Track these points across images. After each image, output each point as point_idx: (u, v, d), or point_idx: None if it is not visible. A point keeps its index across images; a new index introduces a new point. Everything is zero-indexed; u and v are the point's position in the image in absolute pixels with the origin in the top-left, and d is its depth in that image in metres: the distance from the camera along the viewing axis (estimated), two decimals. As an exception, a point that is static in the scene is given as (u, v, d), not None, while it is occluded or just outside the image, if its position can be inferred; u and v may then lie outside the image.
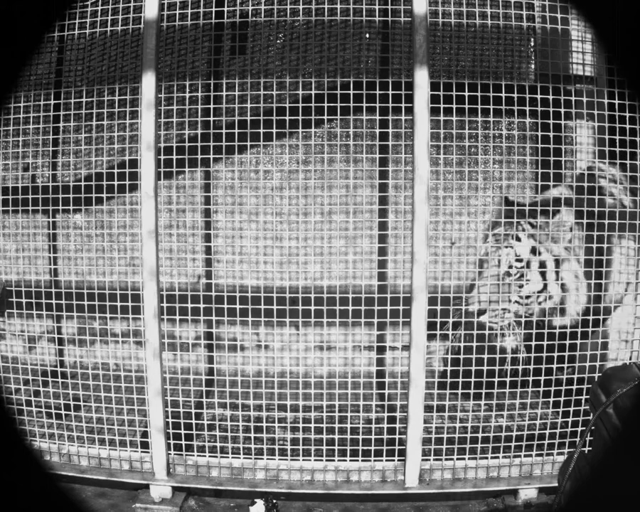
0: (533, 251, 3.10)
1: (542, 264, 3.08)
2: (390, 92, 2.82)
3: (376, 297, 2.91)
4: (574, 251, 3.07)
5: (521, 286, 3.08)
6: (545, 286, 3.09)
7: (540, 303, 3.10)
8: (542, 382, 2.84)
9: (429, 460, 2.87)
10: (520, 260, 3.09)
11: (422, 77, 2.64)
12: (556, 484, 1.82)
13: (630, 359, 3.07)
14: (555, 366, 2.85)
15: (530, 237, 3.10)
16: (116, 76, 3.57)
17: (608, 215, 2.92)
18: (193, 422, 2.92)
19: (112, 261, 3.45)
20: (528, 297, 3.09)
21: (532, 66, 3.84)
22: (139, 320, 2.83)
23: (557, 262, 3.09)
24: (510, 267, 3.10)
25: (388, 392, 3.03)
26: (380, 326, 3.00)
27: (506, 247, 3.11)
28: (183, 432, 2.89)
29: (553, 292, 3.09)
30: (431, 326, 2.83)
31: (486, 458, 2.90)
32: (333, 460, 2.90)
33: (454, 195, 3.43)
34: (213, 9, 3.02)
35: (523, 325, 3.04)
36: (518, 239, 3.11)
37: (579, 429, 2.80)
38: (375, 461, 2.87)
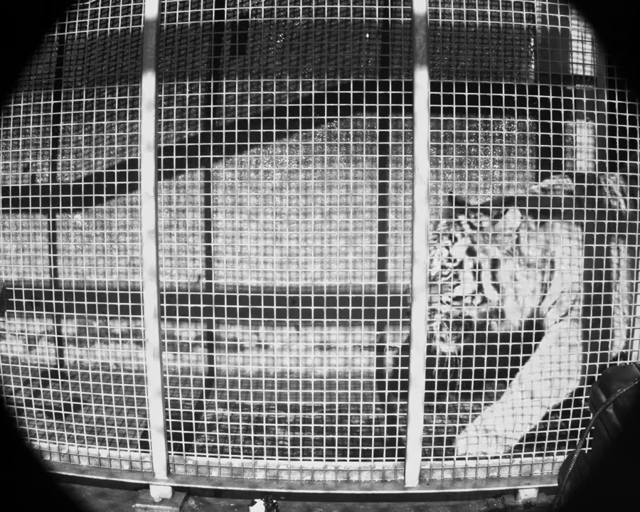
0: (470, 252, 3.01)
1: (477, 266, 2.98)
2: (390, 92, 2.82)
3: (376, 297, 2.91)
4: (517, 253, 2.97)
5: (453, 288, 2.99)
6: (480, 288, 3.00)
7: (475, 306, 2.99)
8: (472, 385, 2.79)
9: (429, 460, 2.86)
10: (452, 261, 3.00)
11: (422, 77, 2.64)
12: (556, 484, 1.82)
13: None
14: (484, 368, 2.76)
15: (467, 237, 3.01)
16: (116, 76, 3.57)
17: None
18: (193, 422, 2.92)
19: (111, 261, 3.45)
20: (458, 299, 3.00)
21: (532, 66, 3.84)
22: (139, 320, 2.83)
23: (495, 264, 2.98)
24: (443, 267, 3.01)
25: (388, 392, 3.03)
26: (380, 325, 3.00)
27: (442, 246, 3.03)
28: (183, 432, 2.89)
29: (489, 296, 2.98)
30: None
31: (486, 458, 2.90)
32: (333, 460, 2.90)
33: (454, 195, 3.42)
34: (213, 9, 3.02)
35: (454, 326, 2.95)
36: (455, 239, 3.03)
37: (579, 429, 2.80)
38: (375, 461, 2.87)
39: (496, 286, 2.98)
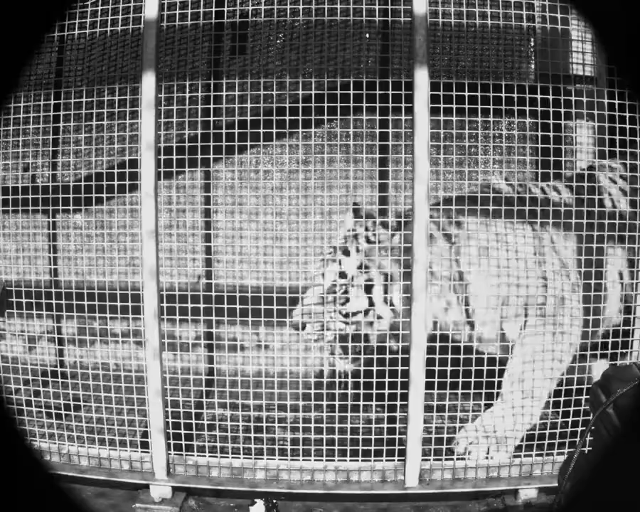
0: (361, 267, 2.92)
1: (369, 282, 2.90)
2: (390, 92, 2.82)
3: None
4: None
5: (344, 303, 2.91)
6: (372, 305, 2.90)
7: (368, 323, 2.90)
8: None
9: (429, 460, 2.86)
10: (344, 276, 2.93)
11: (422, 77, 2.64)
12: (556, 484, 1.81)
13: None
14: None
15: (361, 252, 2.92)
16: (116, 76, 3.57)
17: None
18: (193, 422, 2.92)
19: (111, 261, 3.45)
20: (354, 315, 2.90)
21: (532, 66, 3.84)
22: (139, 320, 2.83)
23: (388, 281, 2.88)
24: (335, 283, 2.93)
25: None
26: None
27: (334, 260, 2.95)
28: (183, 432, 2.89)
29: (382, 313, 2.90)
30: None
31: (486, 458, 2.90)
32: (333, 460, 2.90)
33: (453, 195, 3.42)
34: (213, 9, 3.02)
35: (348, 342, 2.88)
36: (347, 253, 2.96)
37: (579, 429, 2.80)
38: (375, 461, 2.87)
39: (391, 303, 2.88)
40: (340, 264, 2.95)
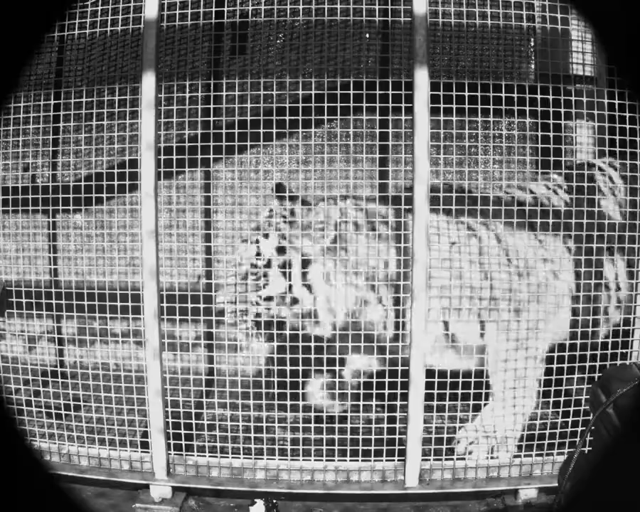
0: (280, 250, 2.86)
1: (286, 265, 2.84)
2: (390, 92, 2.82)
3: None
4: (336, 252, 2.81)
5: (262, 287, 2.85)
6: (290, 288, 2.84)
7: (285, 307, 2.85)
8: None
9: (429, 460, 2.86)
10: (262, 258, 2.86)
11: (422, 77, 2.64)
12: (556, 484, 1.82)
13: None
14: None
15: (279, 233, 2.85)
16: (116, 76, 3.57)
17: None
18: (193, 422, 2.92)
19: (111, 261, 3.45)
20: (269, 299, 2.86)
21: (532, 66, 3.84)
22: (139, 320, 2.83)
23: (306, 264, 2.83)
24: (253, 265, 2.87)
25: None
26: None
27: (252, 242, 2.88)
28: (183, 432, 2.89)
29: (299, 296, 2.84)
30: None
31: (486, 458, 2.90)
32: (333, 460, 2.90)
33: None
34: (213, 9, 3.02)
35: (265, 327, 2.83)
36: (266, 235, 2.89)
37: (579, 429, 2.80)
38: (375, 461, 2.87)
39: (309, 287, 2.84)
40: (259, 245, 2.89)
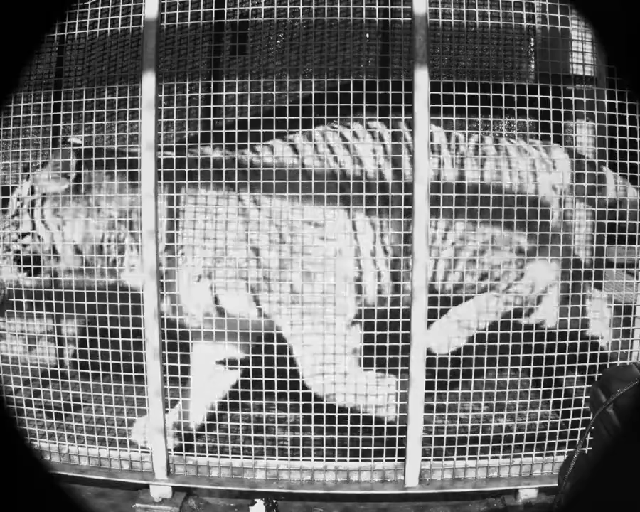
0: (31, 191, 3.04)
1: (31, 205, 3.02)
2: (390, 92, 2.82)
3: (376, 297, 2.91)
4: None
5: (18, 226, 3.04)
6: (35, 228, 3.02)
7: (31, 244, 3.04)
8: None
9: (429, 460, 2.86)
10: (19, 200, 3.05)
11: (422, 77, 2.64)
12: (556, 484, 1.82)
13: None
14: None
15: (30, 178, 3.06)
16: (116, 76, 3.57)
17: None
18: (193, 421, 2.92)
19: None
20: (24, 235, 3.03)
21: (532, 66, 3.84)
22: (139, 320, 2.82)
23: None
24: (15, 207, 3.06)
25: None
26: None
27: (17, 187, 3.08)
28: (183, 432, 2.89)
29: (41, 234, 3.02)
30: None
31: (486, 458, 2.89)
32: (333, 460, 2.90)
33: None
34: (213, 9, 3.02)
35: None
36: (28, 177, 3.08)
37: (579, 429, 2.80)
38: (375, 461, 2.87)
39: (47, 226, 3.01)
40: (21, 187, 3.07)
